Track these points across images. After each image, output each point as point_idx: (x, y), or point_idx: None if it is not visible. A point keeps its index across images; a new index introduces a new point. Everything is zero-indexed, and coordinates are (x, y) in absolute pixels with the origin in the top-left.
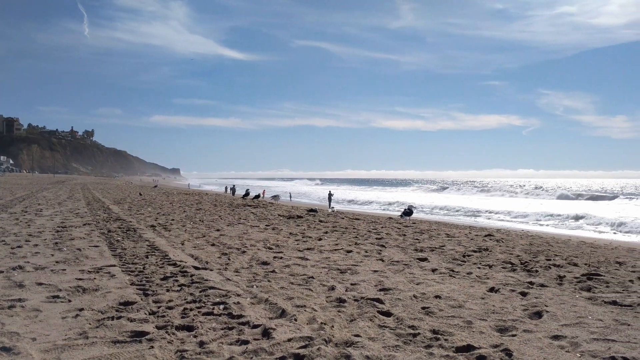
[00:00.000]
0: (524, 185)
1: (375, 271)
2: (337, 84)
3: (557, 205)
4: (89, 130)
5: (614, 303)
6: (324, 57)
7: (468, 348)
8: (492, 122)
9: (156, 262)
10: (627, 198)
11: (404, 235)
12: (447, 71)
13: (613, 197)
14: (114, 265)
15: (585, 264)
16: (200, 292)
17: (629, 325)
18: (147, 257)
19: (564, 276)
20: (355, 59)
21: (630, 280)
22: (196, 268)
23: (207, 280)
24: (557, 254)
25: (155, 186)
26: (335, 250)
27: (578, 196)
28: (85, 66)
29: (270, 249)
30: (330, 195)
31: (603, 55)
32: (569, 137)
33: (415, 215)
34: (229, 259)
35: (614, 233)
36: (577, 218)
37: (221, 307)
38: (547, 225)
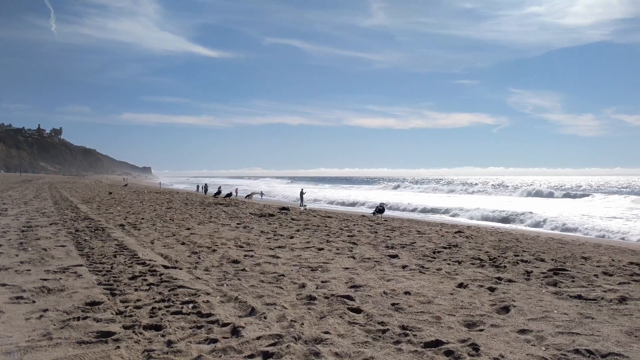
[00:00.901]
0: (477, 184)
1: (346, 268)
2: (309, 82)
3: (509, 202)
4: (56, 129)
5: (579, 297)
6: (295, 54)
7: (436, 343)
8: (463, 121)
9: (125, 261)
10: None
11: (376, 232)
12: (418, 70)
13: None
14: (81, 265)
15: (552, 260)
16: (169, 291)
17: (593, 318)
18: (115, 257)
19: (531, 271)
20: (327, 57)
21: (595, 275)
22: (165, 267)
23: (176, 279)
24: (525, 249)
25: (126, 185)
26: (307, 248)
27: (535, 193)
28: (51, 63)
29: (241, 247)
30: (302, 193)
31: (570, 54)
32: (538, 135)
33: (387, 213)
34: (199, 258)
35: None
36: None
37: (190, 306)
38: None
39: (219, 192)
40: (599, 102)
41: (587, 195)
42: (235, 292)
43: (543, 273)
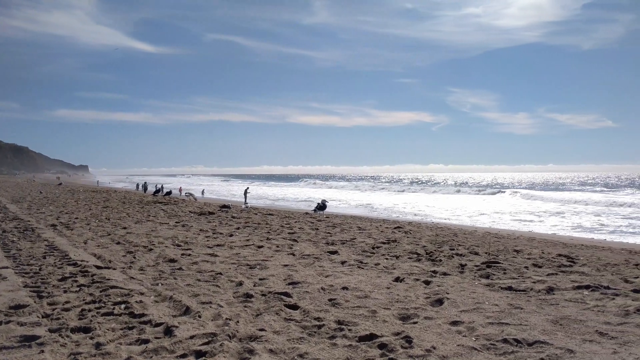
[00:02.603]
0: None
1: (285, 265)
2: (252, 79)
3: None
4: None
5: (510, 289)
6: (237, 51)
7: (371, 337)
8: (404, 119)
9: (55, 262)
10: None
11: (317, 229)
12: (360, 68)
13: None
14: (7, 267)
15: (486, 253)
16: (100, 292)
17: (522, 309)
18: (45, 258)
19: (466, 265)
20: (270, 54)
21: (525, 267)
22: (98, 267)
23: (109, 279)
24: (461, 243)
25: (60, 184)
26: (246, 246)
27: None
28: None
29: (179, 246)
30: (246, 191)
31: (505, 55)
32: (476, 133)
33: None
34: (134, 257)
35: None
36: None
37: (122, 306)
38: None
39: (158, 191)
40: (532, 101)
41: (500, 191)
42: (170, 292)
43: (477, 266)
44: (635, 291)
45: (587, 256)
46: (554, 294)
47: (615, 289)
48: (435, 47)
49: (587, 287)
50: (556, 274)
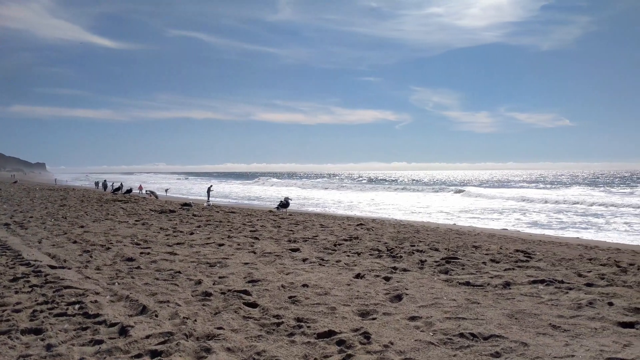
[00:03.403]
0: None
1: (245, 263)
2: (215, 76)
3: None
4: None
5: (468, 284)
6: (200, 48)
7: (329, 334)
8: (368, 117)
9: (6, 262)
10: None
11: (279, 227)
12: (324, 66)
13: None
14: None
15: (446, 249)
16: (54, 292)
17: (478, 303)
18: None
19: (425, 261)
20: (233, 50)
21: (483, 263)
22: (52, 267)
23: (63, 279)
24: (422, 240)
25: (15, 182)
26: (207, 244)
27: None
28: None
29: (138, 244)
30: (209, 189)
31: (467, 55)
32: (438, 132)
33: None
34: (90, 257)
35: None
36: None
37: (76, 306)
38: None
39: (118, 189)
40: (493, 100)
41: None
42: (127, 291)
43: (436, 262)
44: (588, 285)
45: (543, 251)
46: (510, 288)
47: (569, 283)
48: (398, 46)
49: (542, 281)
50: (513, 269)
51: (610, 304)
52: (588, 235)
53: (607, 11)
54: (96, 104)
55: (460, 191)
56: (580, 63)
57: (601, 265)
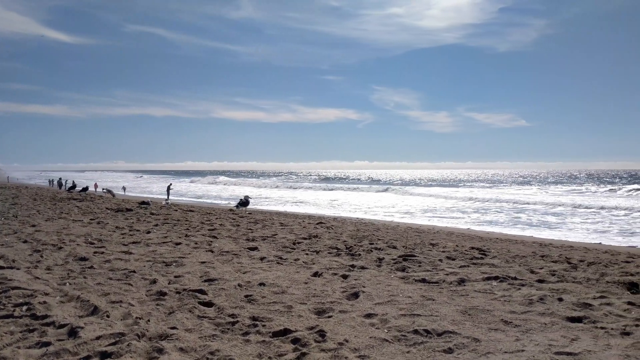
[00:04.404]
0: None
1: (202, 262)
2: (175, 73)
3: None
4: None
5: (423, 281)
6: (159, 44)
7: (284, 332)
8: (330, 116)
9: None
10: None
11: (238, 225)
12: (286, 64)
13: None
14: None
15: (403, 247)
16: (0, 293)
17: (433, 300)
18: None
19: (383, 258)
20: (193, 47)
21: (439, 260)
22: (0, 267)
23: (10, 280)
24: (380, 238)
25: None
26: (164, 243)
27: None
28: None
29: (92, 243)
30: (169, 187)
31: (427, 55)
32: (399, 131)
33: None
34: (41, 256)
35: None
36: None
37: (24, 308)
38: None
39: (73, 187)
40: (452, 100)
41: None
42: (79, 291)
43: (394, 259)
44: (539, 281)
45: (498, 249)
46: (464, 285)
47: (521, 280)
48: (360, 46)
49: (495, 278)
50: (468, 266)
51: (560, 299)
52: (545, 233)
53: (562, 15)
54: (51, 99)
55: (386, 189)
56: (536, 65)
57: (553, 262)
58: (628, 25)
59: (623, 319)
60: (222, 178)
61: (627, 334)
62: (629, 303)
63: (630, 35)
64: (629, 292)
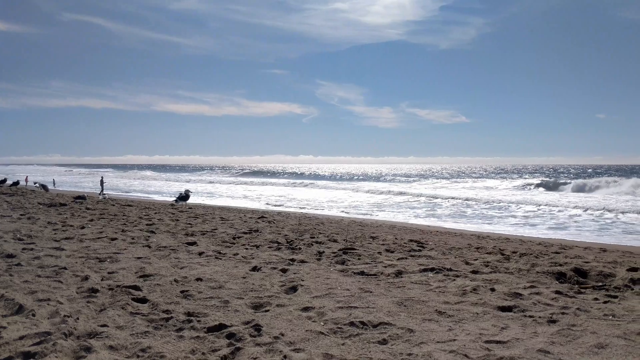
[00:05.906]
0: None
1: (138, 258)
2: (114, 64)
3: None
4: None
5: (362, 273)
6: (98, 33)
7: (220, 327)
8: (275, 110)
9: None
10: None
11: (177, 220)
12: (230, 57)
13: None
14: None
15: (344, 240)
16: None
17: (371, 292)
18: None
19: (323, 252)
20: (134, 38)
21: (378, 252)
22: None
23: None
24: (322, 232)
25: None
26: (99, 238)
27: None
28: None
29: (21, 240)
30: (102, 181)
31: (371, 51)
32: (344, 126)
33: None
34: None
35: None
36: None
37: None
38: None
39: (3, 181)
40: (395, 96)
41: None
42: (3, 290)
43: (334, 253)
44: (473, 272)
45: (436, 241)
46: (401, 277)
47: (456, 271)
48: (305, 40)
49: (432, 269)
50: (406, 258)
51: (492, 289)
52: (485, 226)
53: (500, 14)
54: None
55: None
56: (475, 63)
57: (487, 253)
58: (564, 24)
59: (550, 308)
60: (148, 173)
61: (554, 321)
62: (557, 292)
63: (565, 33)
64: (557, 282)
